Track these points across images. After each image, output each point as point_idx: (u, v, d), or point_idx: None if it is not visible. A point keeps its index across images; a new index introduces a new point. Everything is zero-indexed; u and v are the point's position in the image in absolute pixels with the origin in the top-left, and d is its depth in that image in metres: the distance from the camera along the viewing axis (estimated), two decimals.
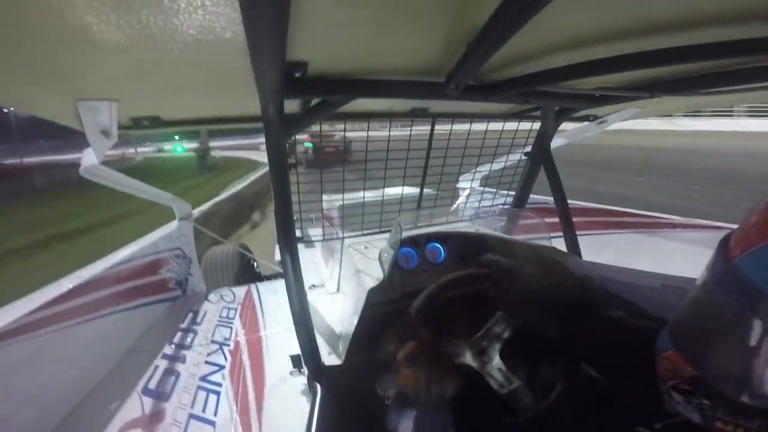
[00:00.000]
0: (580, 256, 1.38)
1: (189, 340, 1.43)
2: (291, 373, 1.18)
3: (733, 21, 0.53)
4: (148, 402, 1.13)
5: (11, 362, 1.00)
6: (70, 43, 0.52)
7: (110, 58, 0.59)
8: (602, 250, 1.57)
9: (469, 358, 1.09)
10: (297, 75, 0.71)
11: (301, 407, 1.05)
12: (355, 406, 1.06)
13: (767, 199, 0.44)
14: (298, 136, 1.22)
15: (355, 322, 1.08)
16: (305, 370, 1.11)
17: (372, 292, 1.08)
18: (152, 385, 1.20)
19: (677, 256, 1.71)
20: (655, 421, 0.56)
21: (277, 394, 1.16)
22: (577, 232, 1.43)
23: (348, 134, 1.44)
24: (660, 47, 0.58)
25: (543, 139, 1.45)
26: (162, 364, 1.29)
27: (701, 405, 0.48)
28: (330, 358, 1.17)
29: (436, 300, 1.06)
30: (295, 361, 1.18)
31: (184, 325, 1.52)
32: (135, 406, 1.12)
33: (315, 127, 1.22)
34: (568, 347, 0.96)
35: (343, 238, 1.65)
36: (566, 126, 1.54)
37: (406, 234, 1.27)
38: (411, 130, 1.51)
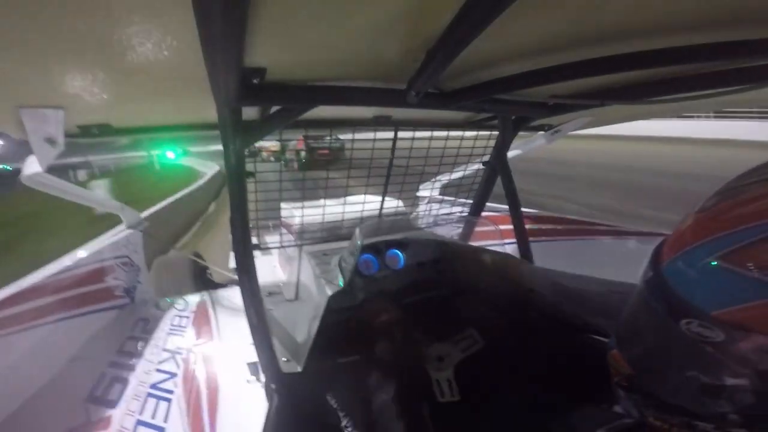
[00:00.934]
0: (532, 261, 1.44)
1: (138, 347, 1.37)
2: (248, 381, 1.15)
3: (682, 29, 0.56)
4: (93, 408, 1.08)
5: None
6: (9, 48, 0.49)
7: (54, 64, 0.56)
8: (552, 256, 1.64)
9: (428, 359, 1.12)
10: (254, 81, 0.69)
11: (258, 415, 1.03)
12: (313, 414, 1.05)
13: (695, 209, 0.46)
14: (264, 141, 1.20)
15: (315, 328, 1.07)
16: (262, 377, 1.09)
17: (332, 299, 1.08)
18: (98, 392, 1.15)
19: (621, 262, 1.83)
20: (605, 423, 0.59)
21: (232, 402, 1.13)
22: (530, 239, 1.49)
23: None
24: (610, 54, 0.61)
25: (500, 148, 1.50)
26: (109, 371, 1.23)
27: (637, 401, 0.51)
28: (288, 365, 1.15)
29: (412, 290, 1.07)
30: (252, 369, 1.16)
31: (133, 333, 1.46)
32: (79, 412, 1.07)
33: (275, 135, 1.20)
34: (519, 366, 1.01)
35: (302, 245, 1.63)
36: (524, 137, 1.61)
37: (366, 241, 1.27)
38: (375, 138, 1.52)
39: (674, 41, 0.57)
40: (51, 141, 0.81)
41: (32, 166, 1.10)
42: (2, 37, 0.45)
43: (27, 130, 0.76)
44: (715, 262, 0.40)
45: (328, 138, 1.42)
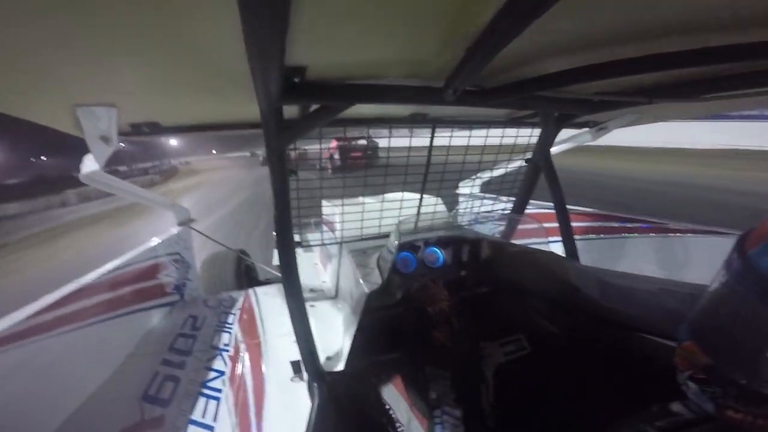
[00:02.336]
0: (578, 260, 1.38)
1: (188, 345, 1.42)
2: (291, 380, 1.17)
3: (730, 26, 0.54)
4: (147, 407, 1.13)
5: (9, 365, 1.00)
6: (67, 49, 0.52)
7: (108, 64, 0.60)
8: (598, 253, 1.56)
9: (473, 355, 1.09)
10: (296, 80, 0.71)
11: (302, 414, 1.04)
12: (355, 413, 1.06)
13: None
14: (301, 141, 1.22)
15: (354, 326, 1.07)
16: (305, 375, 1.10)
17: (371, 297, 1.08)
18: (152, 391, 1.21)
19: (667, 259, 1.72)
20: (658, 419, 0.58)
21: (276, 400, 1.15)
22: (576, 237, 1.42)
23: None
24: (658, 52, 0.59)
25: (543, 145, 1.45)
26: (162, 370, 1.29)
27: (714, 394, 0.51)
28: (329, 363, 1.16)
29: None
30: (295, 367, 1.18)
31: (183, 330, 1.52)
32: (134, 411, 1.11)
33: (314, 133, 1.22)
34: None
35: (342, 242, 1.65)
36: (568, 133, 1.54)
37: (404, 239, 1.27)
38: (411, 136, 1.51)
39: (722, 39, 0.55)
40: (105, 139, 0.86)
41: (90, 165, 1.17)
42: (59, 37, 0.48)
43: (83, 128, 0.82)
44: None
45: (362, 140, 1.42)
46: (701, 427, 0.52)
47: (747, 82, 0.69)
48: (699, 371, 0.53)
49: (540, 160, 1.49)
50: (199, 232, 2.21)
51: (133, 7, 0.43)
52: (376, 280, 1.17)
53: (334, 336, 1.29)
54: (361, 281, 1.28)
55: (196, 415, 1.10)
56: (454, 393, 0.77)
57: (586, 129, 1.51)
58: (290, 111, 0.98)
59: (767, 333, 0.45)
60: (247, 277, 2.60)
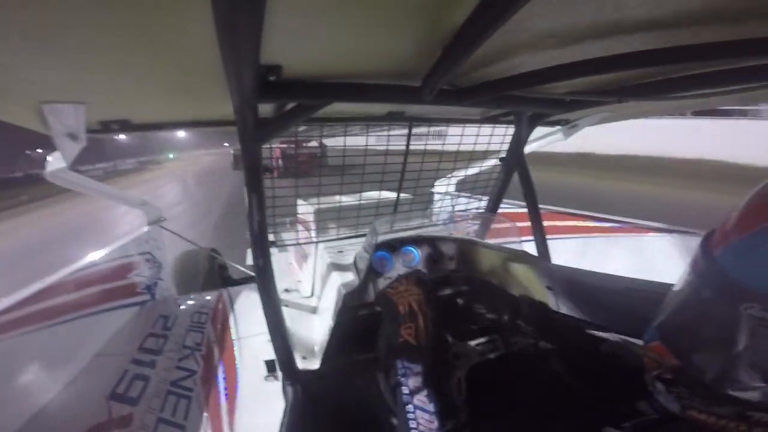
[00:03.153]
0: (549, 259, 1.42)
1: (159, 344, 1.40)
2: (265, 379, 1.17)
3: (699, 25, 0.55)
4: (115, 406, 1.11)
5: None
6: (32, 45, 0.50)
7: (76, 60, 0.57)
8: (569, 253, 1.61)
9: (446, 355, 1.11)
10: (271, 78, 0.70)
11: (276, 412, 1.04)
12: (331, 411, 1.06)
13: (748, 197, 0.47)
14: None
15: (330, 326, 1.07)
16: (280, 374, 1.10)
17: (347, 296, 1.08)
18: (121, 389, 1.18)
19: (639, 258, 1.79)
20: (624, 421, 0.58)
21: (250, 399, 1.14)
22: (548, 236, 1.46)
23: (326, 140, 1.44)
24: (627, 51, 0.60)
25: (517, 144, 1.48)
26: (131, 368, 1.26)
27: (680, 394, 0.51)
28: (305, 362, 1.16)
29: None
30: (270, 366, 1.17)
31: (153, 330, 1.49)
32: (102, 410, 1.09)
33: (291, 131, 1.22)
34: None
35: (318, 242, 1.64)
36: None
37: (381, 238, 1.27)
38: (389, 134, 1.52)
39: (692, 37, 0.56)
40: (73, 136, 0.83)
41: (56, 162, 1.13)
42: (25, 34, 0.46)
43: (50, 125, 0.78)
44: None
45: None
46: (667, 427, 0.52)
47: (715, 81, 0.71)
48: (666, 371, 0.53)
49: (513, 159, 1.52)
50: (170, 231, 2.16)
51: (101, 4, 0.41)
52: (353, 279, 1.18)
53: (310, 335, 1.29)
54: (337, 281, 1.28)
55: (167, 414, 1.09)
56: (426, 388, 0.77)
57: (558, 128, 1.55)
58: (266, 109, 0.97)
59: (733, 334, 0.44)
60: (221, 276, 2.56)
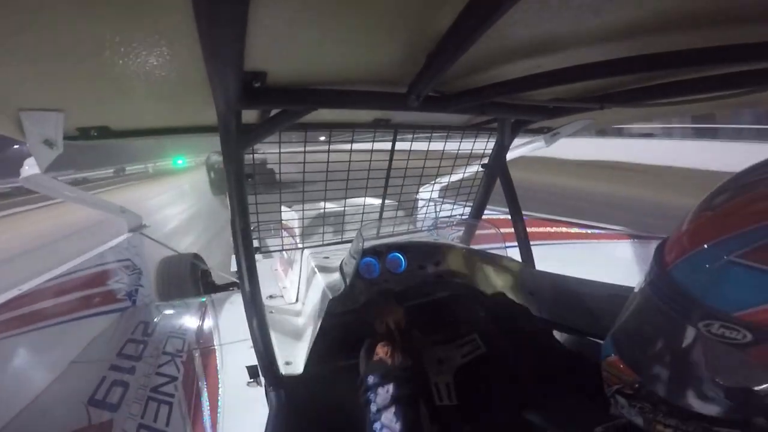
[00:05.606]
0: (533, 265, 1.44)
1: (139, 351, 1.37)
2: (248, 384, 1.15)
3: (680, 32, 0.56)
4: (94, 412, 1.08)
5: None
6: (9, 51, 0.49)
7: (54, 67, 0.56)
8: (554, 259, 1.63)
9: (428, 361, 1.11)
10: (255, 85, 0.70)
11: (259, 418, 1.03)
12: (314, 417, 1.05)
13: (699, 206, 0.45)
14: None
15: (315, 332, 1.07)
16: (262, 380, 1.09)
17: (333, 302, 1.08)
18: (99, 395, 1.15)
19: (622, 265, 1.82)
20: (596, 424, 0.57)
21: (233, 405, 1.13)
22: (531, 242, 1.49)
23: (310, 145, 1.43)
24: (609, 58, 0.61)
25: (499, 151, 1.50)
26: (110, 374, 1.24)
27: (643, 408, 0.49)
28: (289, 368, 1.15)
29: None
30: (252, 371, 1.16)
31: (133, 336, 1.46)
32: (80, 415, 1.07)
33: (274, 138, 1.21)
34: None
35: (303, 248, 1.63)
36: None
37: (367, 244, 1.28)
38: (374, 141, 1.53)
39: (673, 44, 0.57)
40: (49, 143, 0.81)
41: (31, 169, 1.11)
42: (2, 40, 0.45)
43: (26, 132, 0.76)
44: (734, 261, 0.38)
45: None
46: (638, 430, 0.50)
47: (695, 88, 0.72)
48: (626, 387, 0.51)
49: (496, 165, 1.54)
50: (151, 238, 2.13)
51: (80, 10, 0.41)
52: (339, 285, 1.17)
53: (294, 341, 1.28)
54: (323, 287, 1.28)
55: (148, 420, 1.07)
56: (394, 406, 0.77)
57: (541, 135, 1.58)
58: (249, 115, 0.96)
59: (692, 351, 0.43)
60: (203, 283, 2.52)
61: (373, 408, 0.77)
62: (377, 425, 0.74)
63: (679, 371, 0.45)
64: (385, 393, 0.79)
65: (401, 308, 1.02)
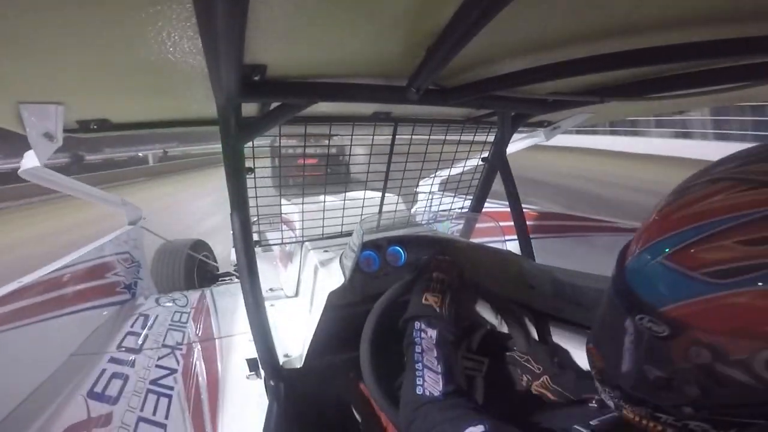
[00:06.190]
0: (533, 258, 1.44)
1: (138, 343, 1.38)
2: (247, 377, 1.16)
3: (679, 26, 0.56)
4: (93, 405, 1.09)
5: None
6: (9, 44, 0.48)
7: (54, 60, 0.56)
8: (554, 252, 1.64)
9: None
10: (255, 78, 0.70)
11: (258, 411, 1.04)
12: (314, 409, 1.06)
13: (653, 210, 0.48)
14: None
15: (315, 325, 1.07)
16: (262, 373, 1.09)
17: (333, 295, 1.08)
18: (98, 388, 1.15)
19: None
20: (592, 418, 0.59)
21: (232, 398, 1.13)
22: (531, 236, 1.49)
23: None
24: (609, 52, 0.61)
25: (499, 144, 1.50)
26: (109, 367, 1.24)
27: (612, 395, 0.53)
28: (288, 361, 1.16)
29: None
30: (252, 364, 1.16)
31: (133, 329, 1.46)
32: (80, 408, 1.07)
33: (274, 130, 1.21)
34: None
35: (303, 241, 1.63)
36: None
37: (367, 237, 1.27)
38: (374, 135, 1.52)
39: (672, 38, 0.57)
40: (49, 136, 0.81)
41: (31, 161, 1.10)
42: (3, 34, 0.45)
43: (25, 125, 0.76)
44: (661, 261, 0.43)
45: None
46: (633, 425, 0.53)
47: (694, 82, 0.72)
48: (597, 372, 0.56)
49: (496, 159, 1.54)
50: (150, 231, 2.13)
51: (80, 3, 0.41)
52: (339, 278, 1.17)
53: (294, 335, 1.28)
54: (322, 280, 1.28)
55: (147, 413, 1.07)
56: (437, 350, 0.81)
57: (541, 129, 1.57)
58: (249, 108, 0.96)
59: (634, 342, 0.47)
60: (203, 275, 2.52)
61: (417, 348, 0.81)
62: (419, 365, 0.78)
63: (626, 360, 0.49)
64: (429, 337, 0.83)
65: (459, 266, 1.05)
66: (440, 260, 1.05)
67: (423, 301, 0.92)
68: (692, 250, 0.40)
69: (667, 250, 0.43)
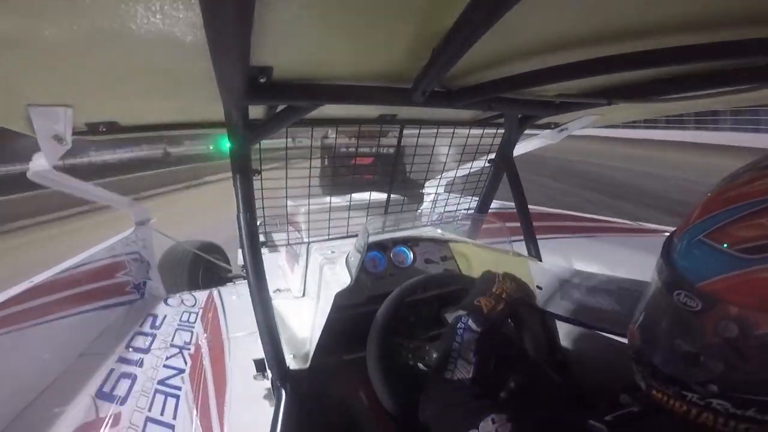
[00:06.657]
0: (540, 259, 1.43)
1: (147, 343, 1.39)
2: (254, 377, 1.16)
3: (688, 27, 0.56)
4: (102, 405, 1.10)
5: None
6: (18, 48, 0.49)
7: (63, 63, 0.57)
8: (561, 253, 1.63)
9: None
10: (261, 80, 0.70)
11: (265, 411, 1.04)
12: (321, 411, 1.06)
13: (704, 197, 0.50)
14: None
15: (322, 325, 1.07)
16: (269, 374, 1.10)
17: (339, 296, 1.08)
18: (107, 388, 1.17)
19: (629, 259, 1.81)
20: (606, 414, 0.60)
21: (240, 398, 1.14)
22: (538, 236, 1.48)
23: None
24: (616, 53, 0.61)
25: (506, 146, 1.49)
26: (118, 367, 1.25)
27: (643, 373, 0.56)
28: (295, 362, 1.16)
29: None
30: (259, 365, 1.17)
31: (141, 329, 1.48)
32: (88, 409, 1.08)
33: (281, 133, 1.22)
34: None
35: (309, 242, 1.64)
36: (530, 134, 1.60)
37: (373, 238, 1.28)
38: (380, 137, 1.52)
39: (681, 40, 0.57)
40: (59, 138, 0.82)
41: (40, 163, 1.12)
42: (13, 37, 0.46)
43: (35, 127, 0.78)
44: (700, 239, 0.47)
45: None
46: (647, 419, 0.55)
47: (702, 83, 0.72)
48: (635, 352, 0.59)
49: (502, 160, 1.53)
50: (159, 231, 2.15)
51: (89, 7, 0.41)
52: (345, 279, 1.18)
53: (300, 335, 1.29)
54: (329, 280, 1.28)
55: (155, 413, 1.08)
56: (475, 344, 0.83)
57: (548, 130, 1.57)
58: (256, 110, 0.97)
59: (669, 318, 0.51)
60: (211, 276, 2.54)
61: (458, 339, 0.85)
62: (455, 353, 0.81)
63: (660, 336, 0.53)
64: (471, 333, 0.86)
65: (524, 284, 1.06)
66: (506, 276, 1.06)
67: (474, 302, 0.94)
68: (728, 229, 0.44)
69: (706, 229, 0.46)
